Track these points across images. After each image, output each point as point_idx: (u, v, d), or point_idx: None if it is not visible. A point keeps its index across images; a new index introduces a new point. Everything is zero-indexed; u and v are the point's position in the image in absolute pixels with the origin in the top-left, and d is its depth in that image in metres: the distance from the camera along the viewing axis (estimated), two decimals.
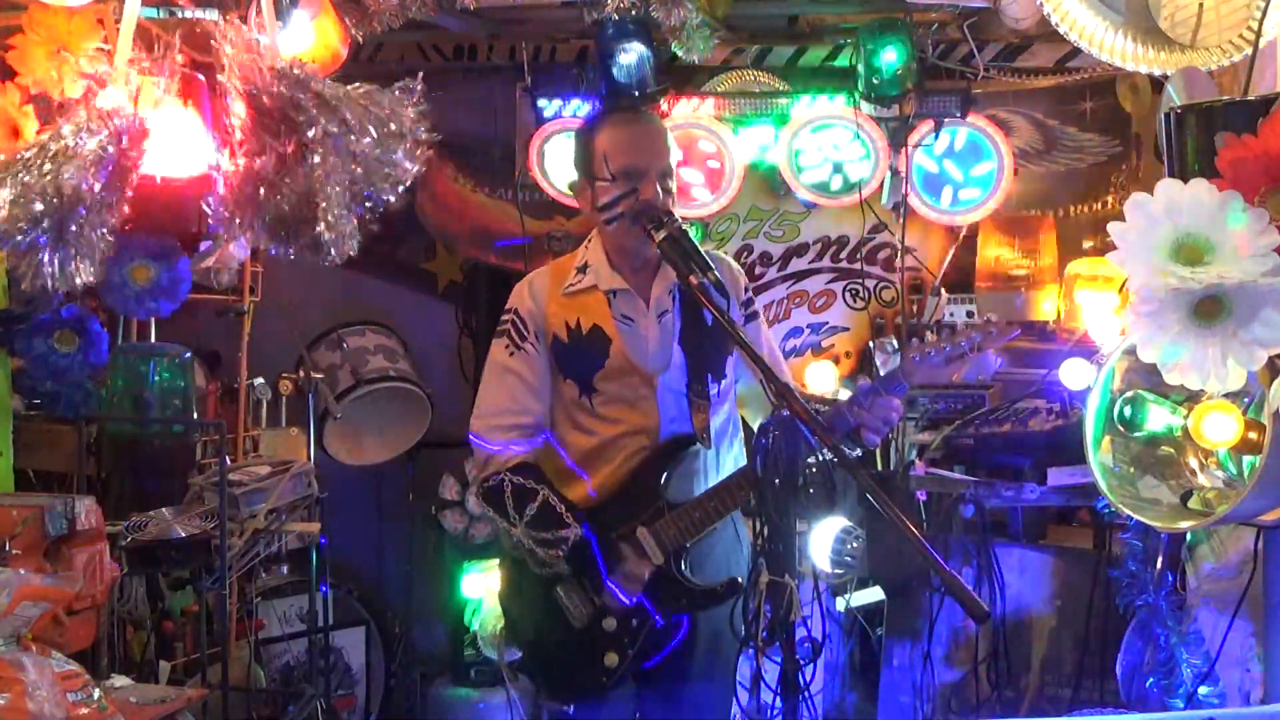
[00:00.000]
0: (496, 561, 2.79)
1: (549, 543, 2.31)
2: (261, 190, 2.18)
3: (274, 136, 2.16)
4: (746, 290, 2.59)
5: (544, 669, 2.52)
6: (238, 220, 2.23)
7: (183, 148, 2.49)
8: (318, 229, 2.15)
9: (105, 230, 2.15)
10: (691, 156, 3.74)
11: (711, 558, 2.44)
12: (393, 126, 2.18)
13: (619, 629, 2.35)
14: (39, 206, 2.04)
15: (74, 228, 2.09)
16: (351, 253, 2.24)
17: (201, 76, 2.53)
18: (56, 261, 2.09)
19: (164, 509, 2.97)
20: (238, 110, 2.21)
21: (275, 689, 3.69)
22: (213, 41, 2.24)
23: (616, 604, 2.34)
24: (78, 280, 2.15)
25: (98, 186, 2.10)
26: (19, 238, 2.04)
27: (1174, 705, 2.84)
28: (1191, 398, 2.02)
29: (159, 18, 2.52)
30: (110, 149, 2.12)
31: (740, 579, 2.34)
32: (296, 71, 2.17)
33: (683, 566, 2.36)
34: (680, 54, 3.22)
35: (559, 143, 3.76)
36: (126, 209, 2.22)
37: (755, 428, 2.39)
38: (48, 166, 2.06)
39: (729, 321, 2.13)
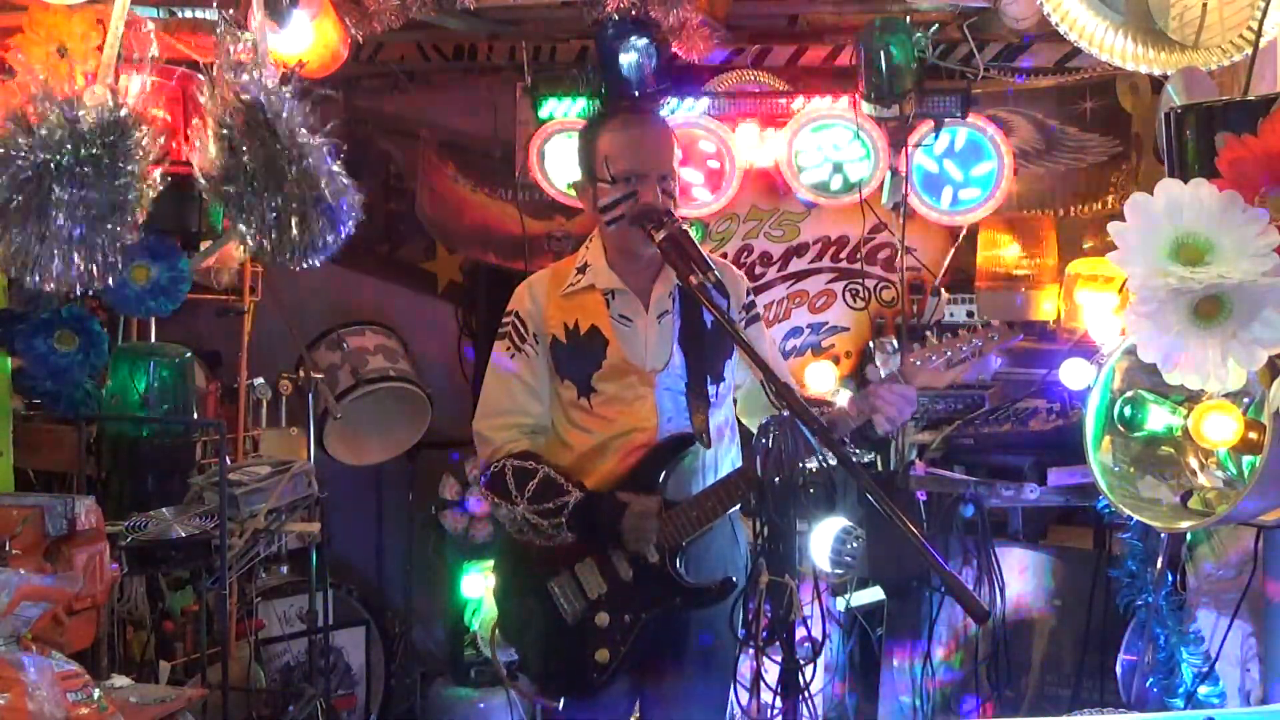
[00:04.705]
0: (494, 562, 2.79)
1: (551, 511, 2.32)
2: (248, 189, 2.18)
3: (255, 138, 2.15)
4: (749, 294, 2.61)
5: (536, 664, 2.52)
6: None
7: (183, 145, 2.49)
8: (304, 228, 2.15)
9: (118, 231, 2.13)
10: (691, 156, 3.74)
11: (708, 557, 2.44)
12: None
13: (611, 625, 2.36)
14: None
15: (80, 229, 2.07)
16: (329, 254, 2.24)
17: (201, 76, 2.53)
18: (60, 261, 2.08)
19: (164, 509, 2.97)
20: (223, 110, 2.20)
21: (275, 689, 3.70)
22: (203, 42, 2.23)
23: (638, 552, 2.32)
24: (91, 282, 2.13)
25: (98, 186, 2.08)
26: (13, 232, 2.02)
27: (1174, 705, 2.84)
28: (1191, 398, 2.02)
29: (157, 16, 2.53)
30: (113, 148, 2.11)
31: (735, 579, 2.35)
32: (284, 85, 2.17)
33: (678, 565, 2.37)
34: (680, 54, 3.21)
35: (559, 143, 3.76)
36: (139, 214, 2.21)
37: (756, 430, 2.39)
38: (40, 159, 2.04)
39: (728, 320, 2.13)
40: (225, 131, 2.18)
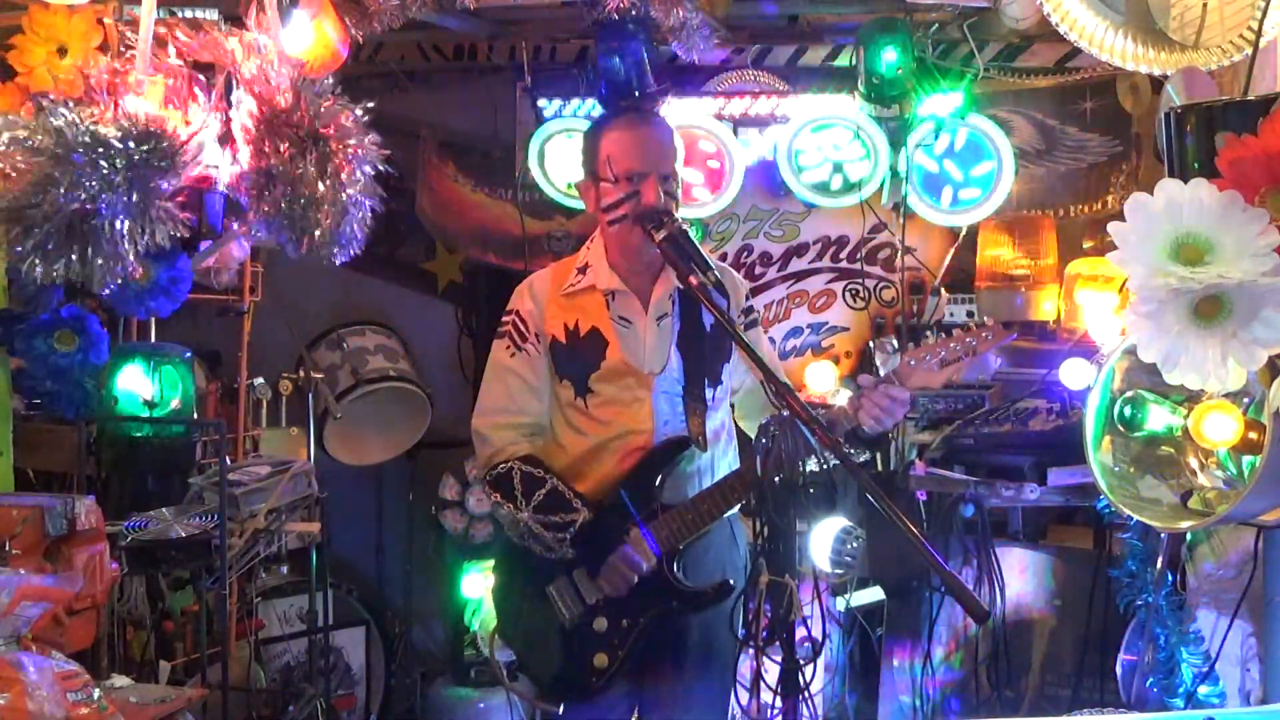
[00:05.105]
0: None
1: (557, 526, 2.32)
2: (269, 187, 2.18)
3: (281, 137, 2.16)
4: (748, 298, 2.61)
5: (535, 669, 2.52)
6: (246, 217, 2.23)
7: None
8: (323, 225, 2.15)
9: (142, 229, 2.13)
10: (691, 156, 3.74)
11: (706, 559, 2.44)
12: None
13: (609, 630, 2.35)
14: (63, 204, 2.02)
15: (110, 226, 2.07)
16: (355, 251, 2.25)
17: (202, 76, 2.53)
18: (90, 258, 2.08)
19: (164, 509, 2.97)
20: (247, 110, 2.20)
21: (275, 689, 3.70)
22: (219, 40, 2.24)
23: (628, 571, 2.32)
24: (116, 279, 2.13)
25: (130, 189, 2.08)
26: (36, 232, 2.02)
27: (1174, 705, 2.84)
28: (1191, 398, 2.02)
29: (159, 17, 2.52)
30: (139, 152, 2.11)
31: (733, 581, 2.35)
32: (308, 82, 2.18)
33: (675, 568, 2.36)
34: (680, 54, 3.21)
35: (559, 143, 3.76)
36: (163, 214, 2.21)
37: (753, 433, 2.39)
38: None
39: (727, 319, 2.13)
40: (240, 130, 2.18)
